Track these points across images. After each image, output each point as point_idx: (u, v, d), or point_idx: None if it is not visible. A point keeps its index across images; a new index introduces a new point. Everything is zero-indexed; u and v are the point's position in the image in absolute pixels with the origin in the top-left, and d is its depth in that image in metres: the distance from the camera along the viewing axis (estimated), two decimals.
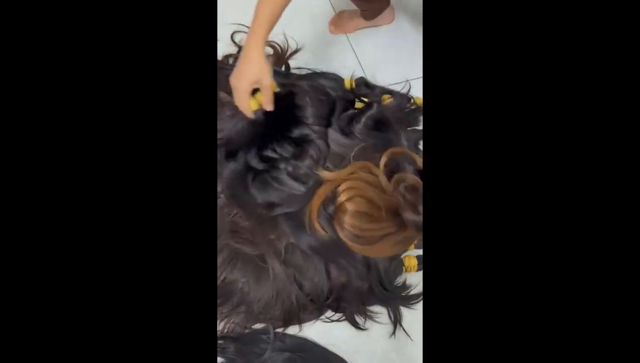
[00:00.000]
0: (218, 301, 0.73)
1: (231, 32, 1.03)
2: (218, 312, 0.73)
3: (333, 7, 1.16)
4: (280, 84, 0.77)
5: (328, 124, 0.82)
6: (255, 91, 0.70)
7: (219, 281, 0.73)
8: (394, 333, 0.77)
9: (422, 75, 1.07)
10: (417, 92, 1.01)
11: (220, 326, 0.73)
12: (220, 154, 0.80)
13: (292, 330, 0.76)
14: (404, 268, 0.82)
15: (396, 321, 0.78)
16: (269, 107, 0.71)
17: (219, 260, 0.75)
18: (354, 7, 1.06)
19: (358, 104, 0.95)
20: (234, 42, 1.03)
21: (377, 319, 0.78)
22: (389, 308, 0.79)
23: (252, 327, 0.74)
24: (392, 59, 1.09)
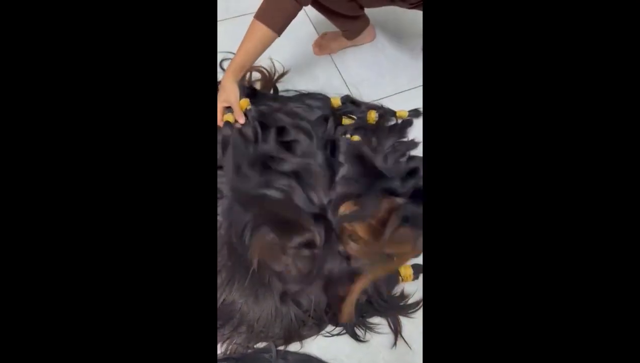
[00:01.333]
0: (219, 322, 0.74)
1: (220, 60, 1.08)
2: (219, 334, 0.74)
3: (316, 30, 1.20)
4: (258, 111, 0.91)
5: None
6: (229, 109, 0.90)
7: (218, 303, 0.74)
8: (395, 343, 0.78)
9: (407, 88, 1.11)
10: (401, 105, 1.05)
11: (222, 347, 0.74)
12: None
13: (294, 347, 0.76)
14: (400, 278, 0.83)
15: (396, 331, 0.79)
16: (241, 120, 0.88)
17: (218, 281, 0.76)
18: (336, 28, 1.10)
19: (345, 120, 0.98)
20: (223, 68, 1.07)
21: (377, 330, 0.79)
22: (389, 319, 0.80)
23: (254, 346, 0.75)
24: (375, 75, 1.13)
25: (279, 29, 0.83)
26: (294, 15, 0.83)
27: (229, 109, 0.89)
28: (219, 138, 0.87)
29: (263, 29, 0.82)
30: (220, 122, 0.89)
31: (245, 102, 0.90)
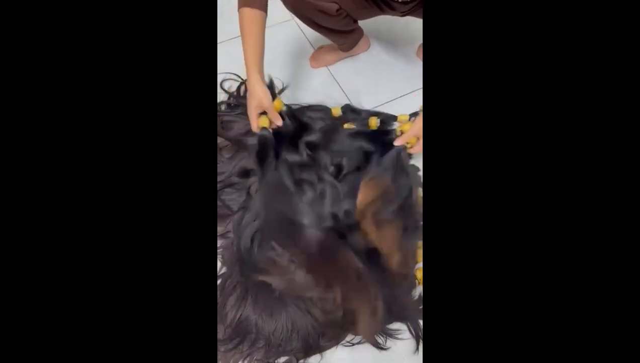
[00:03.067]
0: (236, 340, 0.73)
1: (220, 81, 1.10)
2: (239, 351, 0.73)
3: (311, 44, 1.23)
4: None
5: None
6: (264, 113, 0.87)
7: (235, 320, 0.74)
8: (417, 348, 0.76)
9: (405, 93, 1.12)
10: (401, 109, 1.06)
11: None
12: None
13: (314, 359, 0.75)
14: (417, 281, 0.82)
15: (418, 336, 0.77)
16: (279, 122, 0.87)
17: (233, 299, 0.76)
18: (330, 41, 1.12)
19: (348, 125, 0.98)
20: (223, 89, 1.09)
21: (398, 336, 0.78)
22: (409, 324, 0.78)
23: (275, 361, 0.74)
24: (373, 83, 1.14)
25: (262, 5, 0.83)
26: None
27: (262, 113, 0.86)
28: (255, 142, 0.85)
29: (251, 13, 0.82)
30: (255, 127, 0.86)
31: (280, 103, 0.88)
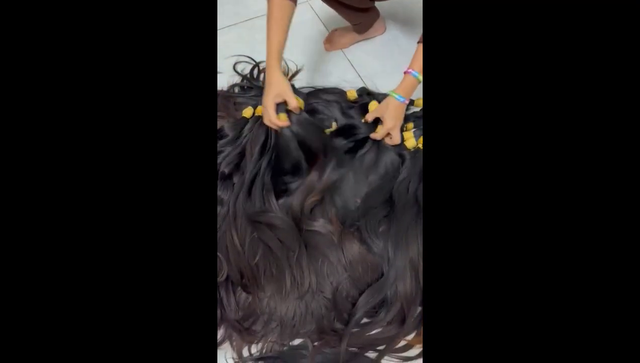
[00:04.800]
0: (249, 320, 0.73)
1: (233, 63, 1.09)
2: (253, 333, 0.73)
3: (325, 27, 1.21)
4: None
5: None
6: (280, 109, 0.83)
7: (246, 302, 0.74)
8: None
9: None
10: (417, 93, 1.03)
11: (258, 346, 0.73)
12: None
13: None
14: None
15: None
16: (297, 111, 0.83)
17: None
18: (346, 23, 1.10)
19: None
20: (236, 71, 1.08)
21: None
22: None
23: (290, 343, 0.74)
24: (389, 66, 1.12)
25: None
26: None
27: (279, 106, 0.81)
28: (276, 140, 0.82)
29: (282, 2, 0.80)
30: (276, 121, 0.81)
31: (301, 101, 0.83)
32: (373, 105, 0.96)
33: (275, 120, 0.81)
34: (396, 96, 0.81)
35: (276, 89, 0.79)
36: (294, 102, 0.81)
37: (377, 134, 0.84)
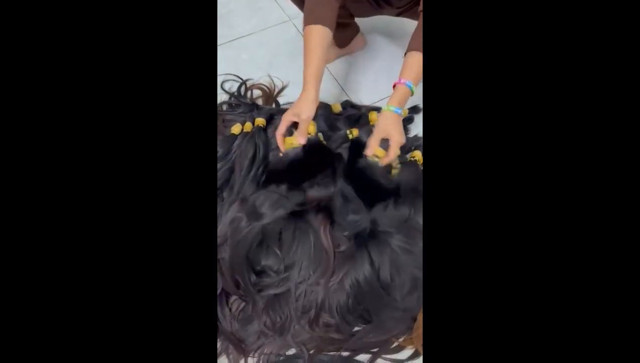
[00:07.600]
0: (246, 330, 0.74)
1: (221, 82, 1.12)
2: (249, 345, 0.74)
3: None
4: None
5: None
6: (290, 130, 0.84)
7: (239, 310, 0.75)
8: None
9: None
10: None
11: (254, 359, 0.74)
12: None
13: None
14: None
15: None
16: (302, 140, 0.82)
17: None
18: None
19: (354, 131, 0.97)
20: (224, 90, 1.11)
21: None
22: None
23: (286, 353, 0.74)
24: (371, 79, 1.16)
25: (331, 24, 0.83)
26: (337, 7, 0.84)
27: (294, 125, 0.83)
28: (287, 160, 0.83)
29: (320, 30, 0.83)
30: (279, 137, 0.83)
31: (313, 126, 0.85)
32: (373, 115, 0.97)
33: (280, 137, 0.83)
34: (394, 109, 0.80)
35: (299, 110, 0.82)
36: (303, 129, 0.82)
37: (391, 153, 0.80)
